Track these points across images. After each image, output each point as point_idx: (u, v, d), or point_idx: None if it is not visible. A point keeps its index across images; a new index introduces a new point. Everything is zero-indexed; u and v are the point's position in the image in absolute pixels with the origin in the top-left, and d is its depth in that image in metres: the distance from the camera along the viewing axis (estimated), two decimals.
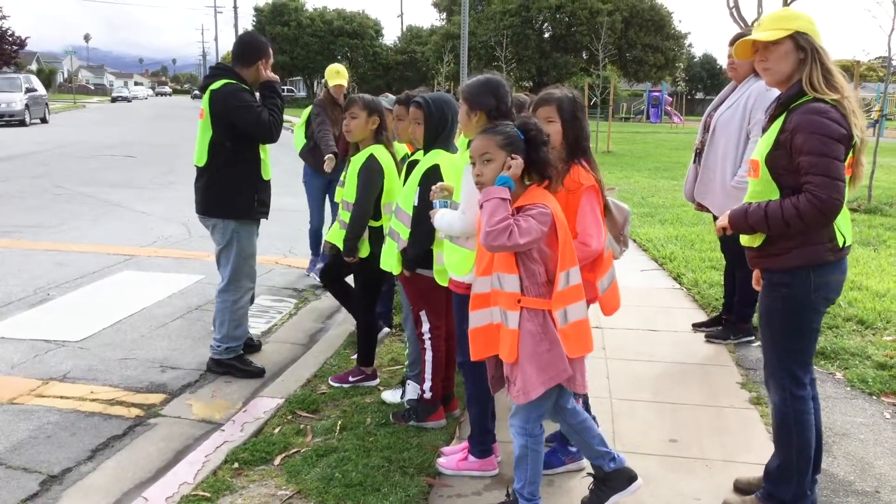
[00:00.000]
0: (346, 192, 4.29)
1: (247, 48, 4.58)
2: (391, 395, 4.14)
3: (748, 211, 2.82)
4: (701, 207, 5.19)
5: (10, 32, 47.71)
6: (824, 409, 4.02)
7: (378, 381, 4.51)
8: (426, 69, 51.28)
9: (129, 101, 73.24)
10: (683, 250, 8.00)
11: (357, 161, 4.24)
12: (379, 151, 4.22)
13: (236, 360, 4.84)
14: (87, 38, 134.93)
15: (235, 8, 56.17)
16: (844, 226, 2.80)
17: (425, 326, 3.75)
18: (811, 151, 2.63)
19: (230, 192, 4.53)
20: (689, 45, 63.54)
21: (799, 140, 2.66)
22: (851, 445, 3.73)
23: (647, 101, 47.75)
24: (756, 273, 3.05)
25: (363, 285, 4.42)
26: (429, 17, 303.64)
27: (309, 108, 7.13)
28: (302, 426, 3.91)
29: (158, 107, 58.76)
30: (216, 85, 4.44)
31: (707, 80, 70.50)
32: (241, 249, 4.67)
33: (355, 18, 61.61)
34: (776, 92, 4.66)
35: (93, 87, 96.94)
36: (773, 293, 2.88)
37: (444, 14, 60.10)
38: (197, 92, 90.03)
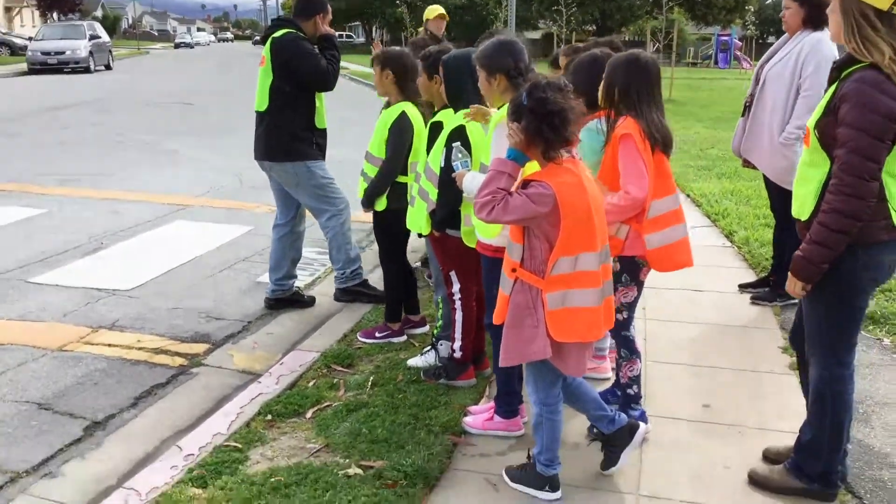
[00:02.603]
0: (373, 145, 4.32)
1: (306, 3, 4.88)
2: (416, 361, 4.12)
3: (807, 256, 2.64)
4: (747, 164, 5.00)
5: None
6: (867, 377, 3.92)
7: (405, 338, 4.50)
8: (486, 13, 50.20)
9: (192, 47, 74.10)
10: (738, 206, 7.74)
11: (388, 117, 4.24)
12: (409, 108, 4.22)
13: (362, 287, 5.18)
14: None
15: None
16: None
17: (455, 287, 3.74)
18: (850, 124, 2.46)
19: (291, 136, 4.80)
20: None
21: (843, 110, 2.49)
22: (892, 416, 3.59)
23: (716, 45, 45.88)
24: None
25: (383, 237, 4.49)
26: None
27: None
28: (335, 380, 3.98)
29: (220, 53, 59.31)
30: (279, 33, 4.73)
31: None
32: (318, 180, 4.93)
33: None
34: (830, 45, 4.46)
35: (156, 34, 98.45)
36: None
37: None
38: (258, 38, 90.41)
